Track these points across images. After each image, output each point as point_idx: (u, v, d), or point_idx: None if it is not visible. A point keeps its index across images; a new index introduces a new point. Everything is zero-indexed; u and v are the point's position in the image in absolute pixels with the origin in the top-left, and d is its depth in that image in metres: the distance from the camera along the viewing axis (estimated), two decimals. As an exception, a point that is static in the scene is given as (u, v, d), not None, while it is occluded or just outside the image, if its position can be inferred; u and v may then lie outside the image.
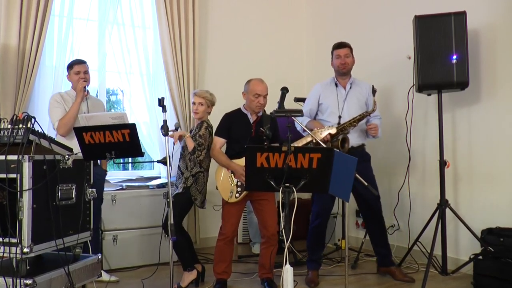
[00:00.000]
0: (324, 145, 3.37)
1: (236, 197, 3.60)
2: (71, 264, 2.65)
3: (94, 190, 2.93)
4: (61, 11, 4.48)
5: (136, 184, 4.67)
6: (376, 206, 3.95)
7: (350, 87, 4.01)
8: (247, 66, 5.34)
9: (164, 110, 3.19)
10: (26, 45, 4.18)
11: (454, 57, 3.76)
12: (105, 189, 4.36)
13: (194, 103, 3.80)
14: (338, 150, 2.97)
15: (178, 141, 3.78)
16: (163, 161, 3.30)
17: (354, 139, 3.87)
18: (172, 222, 3.15)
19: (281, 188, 2.48)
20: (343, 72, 3.98)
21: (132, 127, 2.84)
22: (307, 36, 6.07)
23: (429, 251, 3.80)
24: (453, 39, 3.77)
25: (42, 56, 4.27)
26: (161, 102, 3.18)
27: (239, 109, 3.76)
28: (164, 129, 3.18)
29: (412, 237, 4.22)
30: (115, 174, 5.03)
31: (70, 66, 3.78)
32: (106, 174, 4.05)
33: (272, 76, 4.34)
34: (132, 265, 4.39)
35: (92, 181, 2.95)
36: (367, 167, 3.96)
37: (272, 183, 2.48)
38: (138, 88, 4.99)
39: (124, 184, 4.61)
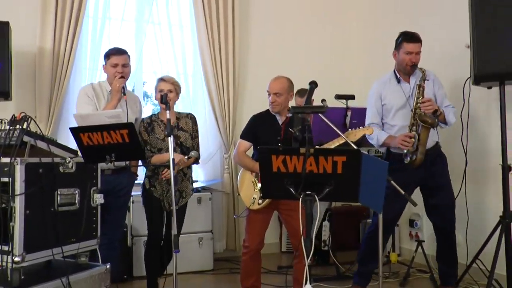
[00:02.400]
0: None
1: (259, 204, 3.34)
2: (73, 274, 2.53)
3: (101, 195, 2.81)
4: (95, 12, 4.45)
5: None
6: (447, 215, 3.56)
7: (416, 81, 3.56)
8: (292, 68, 4.74)
9: (168, 108, 2.99)
10: (61, 47, 4.19)
11: (524, 40, 3.15)
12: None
13: (162, 90, 3.34)
14: (367, 153, 2.67)
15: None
16: (166, 166, 3.05)
17: None
18: (176, 233, 2.89)
19: (301, 197, 2.21)
20: (408, 72, 3.53)
21: (130, 127, 2.70)
22: (351, 27, 5.63)
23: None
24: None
25: (76, 58, 4.27)
26: (163, 99, 3.03)
27: (268, 110, 3.51)
28: (168, 129, 2.92)
29: (471, 253, 3.74)
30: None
31: (107, 56, 3.45)
32: (136, 179, 3.76)
33: (314, 74, 3.90)
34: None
35: (99, 185, 2.84)
36: (443, 170, 3.58)
37: (292, 190, 2.22)
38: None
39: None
